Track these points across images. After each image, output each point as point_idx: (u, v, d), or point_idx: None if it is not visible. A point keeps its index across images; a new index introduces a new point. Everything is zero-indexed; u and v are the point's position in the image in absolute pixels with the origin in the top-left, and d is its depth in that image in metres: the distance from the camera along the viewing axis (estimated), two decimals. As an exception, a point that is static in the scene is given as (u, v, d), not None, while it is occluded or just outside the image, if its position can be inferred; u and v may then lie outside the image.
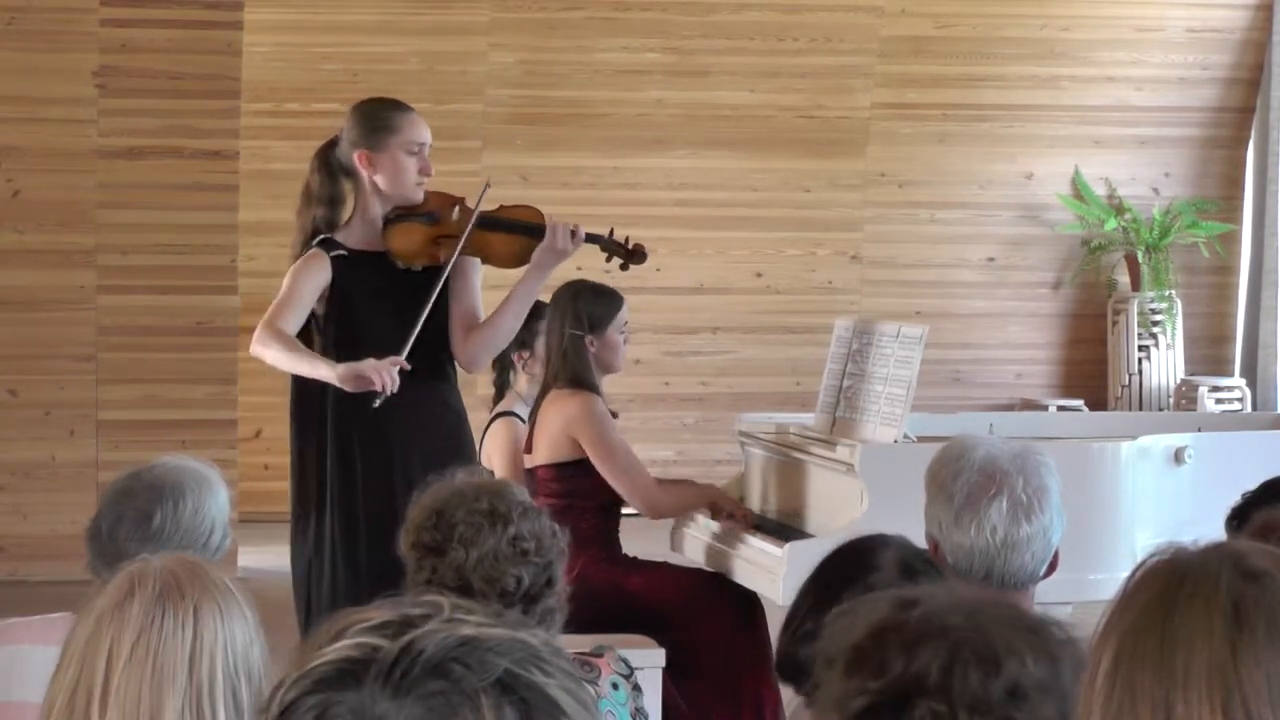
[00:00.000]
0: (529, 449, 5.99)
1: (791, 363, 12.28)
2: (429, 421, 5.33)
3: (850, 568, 3.05)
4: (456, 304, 5.38)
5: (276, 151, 11.76)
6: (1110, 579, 4.77)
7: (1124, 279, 12.87)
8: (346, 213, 5.44)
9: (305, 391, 5.39)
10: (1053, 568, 3.61)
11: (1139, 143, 12.87)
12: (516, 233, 5.45)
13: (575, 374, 5.83)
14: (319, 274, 5.32)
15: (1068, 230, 12.77)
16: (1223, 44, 12.75)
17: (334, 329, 5.34)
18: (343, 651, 1.29)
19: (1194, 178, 12.94)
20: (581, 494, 5.86)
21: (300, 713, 1.27)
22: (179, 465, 3.58)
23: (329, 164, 5.42)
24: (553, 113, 12.10)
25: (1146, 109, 12.80)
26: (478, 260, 5.48)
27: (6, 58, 9.73)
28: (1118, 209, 12.75)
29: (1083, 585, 4.95)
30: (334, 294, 5.34)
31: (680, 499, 6.17)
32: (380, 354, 5.20)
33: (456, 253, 5.32)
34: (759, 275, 12.46)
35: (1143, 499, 5.79)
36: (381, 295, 5.32)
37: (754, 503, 6.29)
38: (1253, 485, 3.72)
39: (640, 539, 6.16)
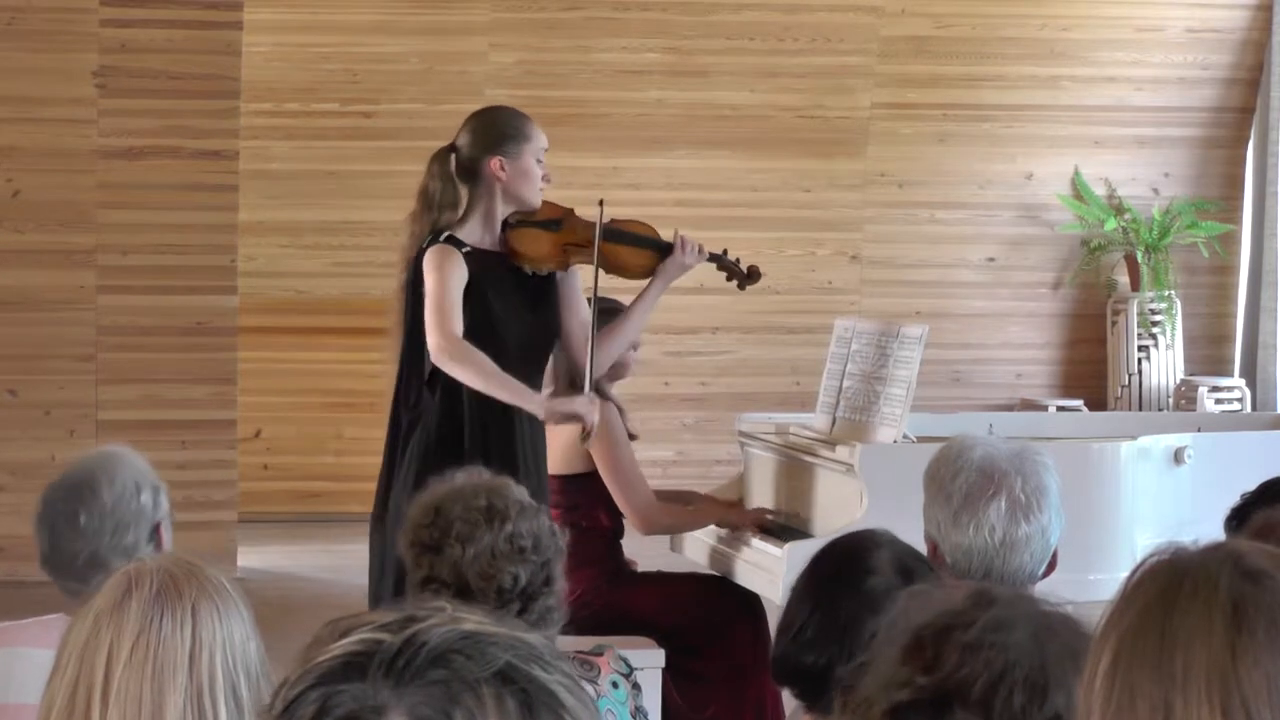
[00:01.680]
0: None
1: (791, 363, 12.28)
2: (541, 434, 5.47)
3: (847, 572, 3.04)
4: (574, 316, 5.55)
5: (276, 151, 11.76)
6: (1110, 579, 4.78)
7: (1124, 279, 12.87)
8: (459, 215, 5.49)
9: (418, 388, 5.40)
10: (1051, 567, 3.62)
11: (1139, 143, 12.88)
12: (642, 246, 5.65)
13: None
14: (461, 269, 5.35)
15: (1067, 230, 12.77)
16: (1222, 44, 12.75)
17: (471, 327, 5.33)
18: (347, 647, 1.29)
19: (1194, 178, 12.95)
20: (586, 512, 5.84)
21: (304, 706, 1.28)
22: (81, 461, 3.62)
23: (447, 169, 5.47)
24: (553, 113, 12.08)
25: (1146, 109, 12.80)
26: (579, 272, 5.61)
27: (6, 58, 9.73)
28: (1117, 209, 12.76)
29: (1083, 585, 4.93)
30: (471, 291, 5.38)
31: (681, 520, 6.17)
32: (517, 355, 5.34)
33: (595, 262, 5.48)
34: (759, 275, 12.45)
35: (1143, 499, 5.80)
36: (514, 295, 5.43)
37: (754, 503, 6.29)
38: (1252, 485, 3.72)
39: (640, 541, 6.16)
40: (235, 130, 10.08)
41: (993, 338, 12.85)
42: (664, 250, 5.67)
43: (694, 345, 12.43)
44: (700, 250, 5.68)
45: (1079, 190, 12.79)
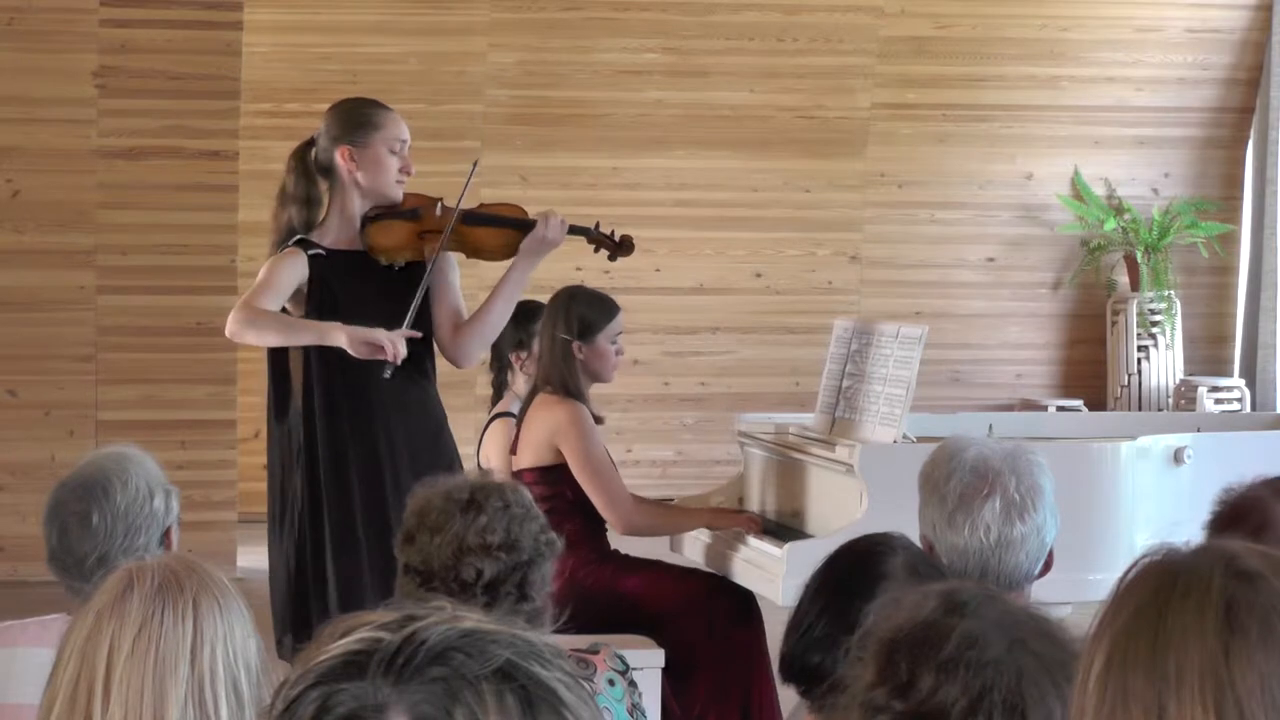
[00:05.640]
0: (514, 450, 5.97)
1: (791, 363, 12.29)
2: (416, 429, 5.33)
3: (861, 575, 3.03)
4: (440, 304, 5.38)
5: (276, 152, 11.70)
6: (1109, 579, 4.77)
7: (1123, 279, 12.87)
8: (322, 214, 5.40)
9: (285, 394, 5.36)
10: (1047, 567, 3.62)
11: (1138, 143, 12.88)
12: (502, 226, 5.47)
13: (561, 379, 5.79)
14: (296, 269, 5.27)
15: (1067, 230, 12.78)
16: (1222, 44, 12.76)
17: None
18: (347, 646, 1.30)
19: (1193, 178, 12.95)
20: (564, 497, 5.82)
21: (304, 705, 1.28)
22: (92, 460, 3.61)
23: (305, 164, 5.39)
24: (552, 113, 12.11)
25: (1146, 109, 12.81)
26: (455, 259, 5.48)
27: (6, 58, 9.73)
28: (1117, 209, 12.76)
29: (1081, 585, 4.95)
30: (315, 293, 5.30)
31: (661, 519, 6.13)
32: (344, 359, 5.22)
33: (442, 246, 5.34)
34: (759, 275, 12.46)
35: (1142, 499, 5.79)
36: (364, 295, 5.29)
37: (753, 503, 6.28)
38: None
39: (640, 539, 6.16)
40: (235, 130, 10.09)
41: (992, 338, 12.86)
42: (527, 229, 5.45)
43: (694, 345, 12.43)
44: (562, 223, 5.43)
45: (1079, 190, 12.80)
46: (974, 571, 3.52)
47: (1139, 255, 12.68)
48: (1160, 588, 1.67)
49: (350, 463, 5.28)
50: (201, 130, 9.94)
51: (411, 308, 5.25)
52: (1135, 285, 12.77)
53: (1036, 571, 3.59)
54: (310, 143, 5.41)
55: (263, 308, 5.21)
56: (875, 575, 3.02)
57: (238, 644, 2.38)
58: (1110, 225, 12.69)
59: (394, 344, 5.12)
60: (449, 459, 5.30)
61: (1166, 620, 1.65)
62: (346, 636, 1.31)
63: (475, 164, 5.54)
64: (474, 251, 5.47)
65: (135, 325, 9.91)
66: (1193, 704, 1.61)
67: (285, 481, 5.37)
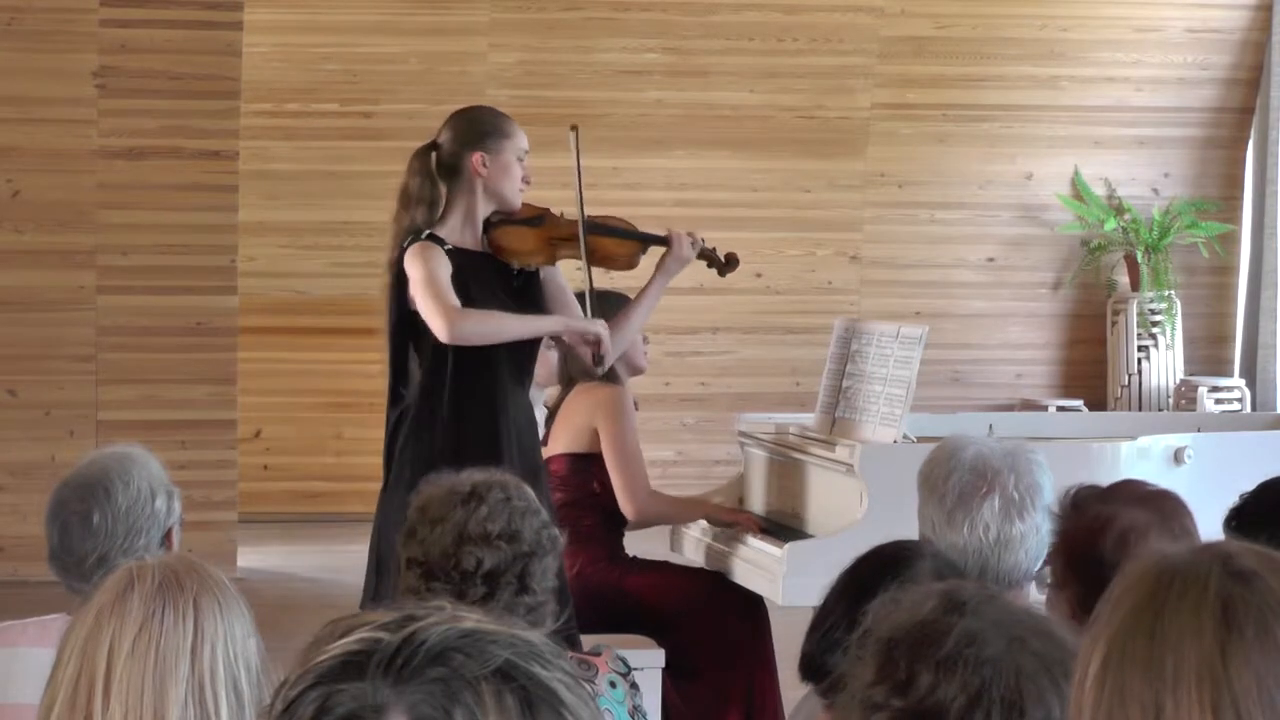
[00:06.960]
0: (545, 440, 6.02)
1: (791, 363, 12.29)
2: (524, 432, 5.43)
3: (884, 579, 3.04)
4: (565, 311, 5.52)
5: (276, 152, 11.77)
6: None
7: (1123, 279, 12.88)
8: (440, 214, 5.51)
9: (401, 381, 5.44)
10: (1047, 565, 3.62)
11: (1138, 143, 12.88)
12: (626, 238, 5.68)
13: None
14: (445, 260, 5.36)
15: (1067, 230, 12.78)
16: (1222, 44, 12.76)
17: None
18: (346, 646, 1.30)
19: (1193, 178, 12.95)
20: (588, 491, 5.89)
21: (303, 706, 1.28)
22: (95, 459, 3.61)
23: (429, 167, 5.48)
24: (553, 113, 12.09)
25: (1146, 109, 12.81)
26: (560, 268, 5.62)
27: (6, 58, 9.74)
28: (1117, 209, 12.76)
29: (1081, 585, 4.95)
30: (455, 285, 5.37)
31: (672, 509, 6.21)
32: (505, 351, 5.33)
33: (582, 254, 5.52)
34: (759, 275, 12.46)
35: (1142, 499, 5.78)
36: (498, 292, 5.41)
37: (753, 503, 6.29)
38: (1252, 485, 3.72)
39: (641, 539, 6.18)
40: (235, 130, 10.09)
41: (993, 338, 12.86)
42: (648, 240, 5.69)
43: (694, 345, 12.44)
44: (694, 243, 5.67)
45: (1079, 190, 12.80)
46: (973, 570, 3.52)
47: (1139, 255, 12.68)
48: (1157, 587, 1.68)
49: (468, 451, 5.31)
50: (201, 130, 9.94)
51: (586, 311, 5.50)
52: (1135, 285, 12.77)
53: (1036, 570, 3.60)
54: (432, 146, 5.50)
55: (466, 308, 5.29)
56: (901, 581, 3.02)
57: (238, 643, 2.39)
58: (1110, 225, 12.69)
59: (604, 339, 5.40)
60: (532, 453, 5.40)
61: (1164, 620, 1.65)
62: (346, 636, 1.31)
63: (575, 130, 5.66)
64: (601, 260, 5.65)
65: (135, 325, 9.91)
66: (1190, 703, 1.61)
67: (396, 462, 5.42)
